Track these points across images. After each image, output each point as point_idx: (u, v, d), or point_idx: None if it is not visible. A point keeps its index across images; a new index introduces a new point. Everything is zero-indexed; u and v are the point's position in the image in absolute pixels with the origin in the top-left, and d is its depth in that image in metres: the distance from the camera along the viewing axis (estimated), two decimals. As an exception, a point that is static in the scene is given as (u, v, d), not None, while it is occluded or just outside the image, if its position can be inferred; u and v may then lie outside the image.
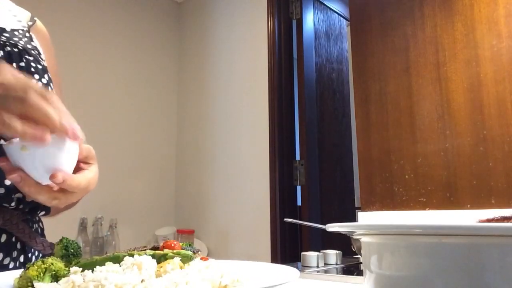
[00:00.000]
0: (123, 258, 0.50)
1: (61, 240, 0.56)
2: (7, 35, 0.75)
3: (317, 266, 1.09)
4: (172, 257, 0.52)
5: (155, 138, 2.90)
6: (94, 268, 0.47)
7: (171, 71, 3.08)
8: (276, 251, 2.32)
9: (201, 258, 0.56)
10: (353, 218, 2.01)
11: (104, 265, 0.49)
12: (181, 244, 0.57)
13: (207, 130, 2.82)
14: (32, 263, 0.50)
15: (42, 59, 0.79)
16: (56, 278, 0.49)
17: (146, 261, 0.48)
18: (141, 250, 0.54)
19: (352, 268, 1.11)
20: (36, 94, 0.49)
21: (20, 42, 0.76)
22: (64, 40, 2.48)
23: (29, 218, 0.74)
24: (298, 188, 2.47)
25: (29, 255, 0.72)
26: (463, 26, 1.51)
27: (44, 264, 0.49)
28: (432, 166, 1.52)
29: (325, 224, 0.57)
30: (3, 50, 0.71)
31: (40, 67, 0.76)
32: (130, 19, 2.87)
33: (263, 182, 2.41)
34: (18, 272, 0.52)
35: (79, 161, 0.58)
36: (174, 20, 3.14)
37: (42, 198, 0.54)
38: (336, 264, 1.13)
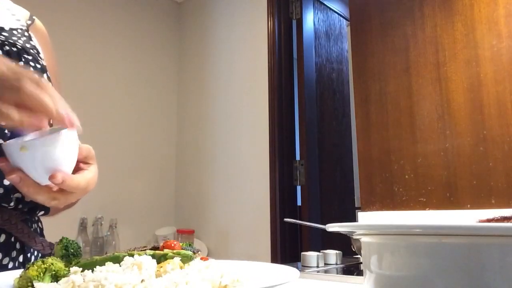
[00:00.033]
0: (123, 258, 0.50)
1: (61, 240, 0.56)
2: (5, 34, 0.75)
3: (317, 266, 1.09)
4: (172, 257, 0.52)
5: (155, 138, 2.90)
6: (94, 268, 0.47)
7: (171, 71, 3.08)
8: (276, 251, 2.32)
9: (201, 258, 0.56)
10: (353, 218, 2.01)
11: (104, 265, 0.49)
12: (181, 244, 0.57)
13: (207, 130, 2.82)
14: (32, 263, 0.50)
15: (41, 58, 0.79)
16: (56, 278, 0.49)
17: (146, 261, 0.48)
18: (141, 250, 0.54)
19: (352, 268, 1.11)
20: (31, 82, 0.49)
21: (19, 41, 0.76)
22: (64, 40, 2.48)
23: (28, 218, 0.74)
24: (298, 188, 2.47)
25: (28, 255, 0.72)
26: (463, 26, 1.51)
27: (44, 264, 0.49)
28: (432, 166, 1.52)
29: (325, 224, 0.57)
30: (2, 49, 0.71)
31: (39, 66, 0.76)
32: (130, 19, 2.87)
33: (263, 182, 2.41)
34: (18, 272, 0.52)
35: (78, 161, 0.58)
36: (174, 20, 3.14)
37: (41, 199, 0.54)
38: (336, 264, 1.13)
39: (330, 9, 2.86)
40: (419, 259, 0.39)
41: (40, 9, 1.15)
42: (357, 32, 1.80)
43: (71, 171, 0.56)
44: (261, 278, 0.53)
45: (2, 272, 0.56)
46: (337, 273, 1.05)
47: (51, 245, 0.74)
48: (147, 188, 2.80)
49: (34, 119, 0.48)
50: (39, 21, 0.88)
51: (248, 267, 0.59)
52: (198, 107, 2.91)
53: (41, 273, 0.48)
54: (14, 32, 0.77)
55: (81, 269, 0.48)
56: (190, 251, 0.54)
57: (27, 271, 0.48)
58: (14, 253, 0.69)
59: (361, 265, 0.78)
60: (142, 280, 0.45)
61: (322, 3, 2.79)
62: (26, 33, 0.80)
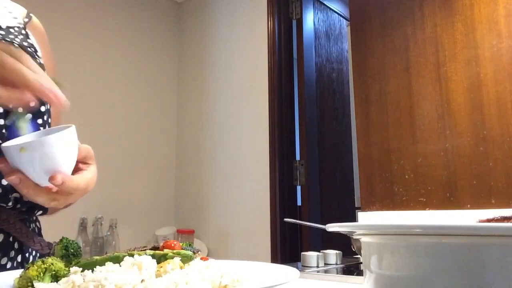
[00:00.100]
0: (123, 258, 0.50)
1: (61, 240, 0.56)
2: (2, 32, 0.74)
3: (317, 266, 1.09)
4: (172, 257, 0.52)
5: (155, 138, 2.90)
6: (94, 268, 0.47)
7: (171, 71, 3.08)
8: (276, 251, 2.32)
9: (201, 258, 0.56)
10: (353, 218, 2.01)
11: (104, 265, 0.49)
12: (181, 244, 0.57)
13: (207, 130, 2.82)
14: (32, 263, 0.50)
15: (38, 56, 0.78)
16: (56, 278, 0.49)
17: (146, 261, 0.48)
18: (141, 250, 0.54)
19: (352, 268, 1.11)
20: (11, 57, 0.48)
21: (16, 39, 0.75)
22: (64, 40, 2.48)
23: (26, 218, 0.74)
24: (298, 188, 2.47)
25: (27, 254, 0.72)
26: (463, 26, 1.51)
27: (44, 264, 0.49)
28: (432, 166, 1.52)
29: (325, 224, 0.57)
30: None
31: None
32: (130, 19, 2.87)
33: (263, 182, 2.41)
34: (18, 272, 0.51)
35: (77, 162, 0.58)
36: (174, 20, 3.14)
37: (41, 200, 0.54)
38: (336, 264, 1.13)
39: (330, 9, 2.86)
40: (419, 259, 0.39)
41: (40, 9, 1.15)
42: (357, 32, 1.80)
43: (71, 172, 0.56)
44: (261, 278, 0.53)
45: (2, 272, 0.56)
46: (337, 273, 1.05)
47: (49, 244, 0.74)
48: (147, 188, 2.80)
49: (22, 95, 0.47)
50: (36, 19, 0.86)
51: (248, 267, 0.59)
52: (198, 107, 2.91)
53: (41, 273, 0.48)
54: (11, 30, 0.76)
55: (81, 269, 0.48)
56: (190, 251, 0.54)
57: (27, 271, 0.48)
58: (12, 253, 0.69)
59: (361, 265, 0.78)
60: (142, 280, 0.45)
61: (322, 3, 2.79)
62: (23, 31, 0.79)
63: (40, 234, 0.79)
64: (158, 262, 0.51)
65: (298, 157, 2.49)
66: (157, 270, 0.49)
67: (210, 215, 2.70)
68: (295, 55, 2.59)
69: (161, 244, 0.56)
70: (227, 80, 2.74)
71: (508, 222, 0.44)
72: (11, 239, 0.69)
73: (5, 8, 0.81)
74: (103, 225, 2.48)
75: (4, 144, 0.51)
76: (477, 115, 1.44)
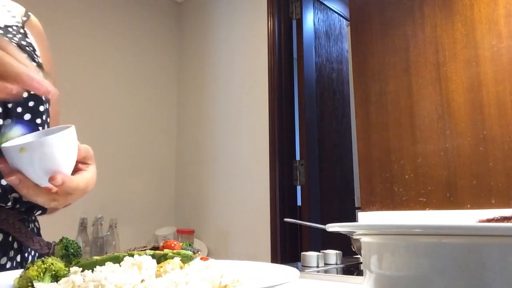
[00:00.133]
0: (123, 258, 0.50)
1: (61, 240, 0.56)
2: (0, 31, 0.74)
3: (317, 266, 1.09)
4: (172, 257, 0.52)
5: (155, 138, 2.90)
6: (94, 268, 0.47)
7: (171, 71, 3.08)
8: (276, 251, 2.32)
9: (201, 258, 0.56)
10: (353, 218, 2.01)
11: (104, 265, 0.49)
12: (181, 244, 0.57)
13: (207, 130, 2.82)
14: (32, 263, 0.50)
15: (37, 55, 0.78)
16: (56, 278, 0.49)
17: (146, 261, 0.48)
18: (141, 250, 0.54)
19: (352, 268, 1.11)
20: None
21: (14, 38, 0.74)
22: (64, 40, 2.48)
23: (25, 218, 0.74)
24: (298, 188, 2.47)
25: (26, 254, 0.72)
26: (463, 26, 1.51)
27: (44, 264, 0.49)
28: (432, 166, 1.52)
29: (325, 224, 0.57)
30: None
31: (34, 64, 0.75)
32: (130, 19, 2.87)
33: (263, 182, 2.41)
34: (18, 272, 0.52)
35: (77, 162, 0.58)
36: (174, 20, 3.14)
37: (41, 200, 0.54)
38: (336, 264, 1.13)
39: (330, 9, 2.86)
40: (419, 259, 0.39)
41: (40, 9, 1.14)
42: (357, 32, 1.80)
43: (71, 172, 0.56)
44: (261, 278, 0.53)
45: (2, 272, 0.56)
46: (337, 273, 1.05)
47: (48, 244, 0.74)
48: (147, 188, 2.80)
49: (13, 86, 0.46)
50: (34, 17, 0.86)
51: (248, 267, 0.59)
52: (198, 107, 2.91)
53: (41, 273, 0.48)
54: (9, 29, 0.76)
55: (81, 269, 0.48)
56: (190, 251, 0.54)
57: (27, 271, 0.48)
58: (12, 253, 0.69)
59: (361, 265, 0.78)
60: (142, 280, 0.45)
61: (322, 3, 2.79)
62: (21, 30, 0.79)
63: (39, 234, 0.79)
64: (158, 262, 0.51)
65: (298, 157, 2.49)
66: (157, 270, 0.49)
67: (210, 215, 2.70)
68: (295, 55, 2.59)
69: (161, 244, 0.56)
70: (227, 80, 2.74)
71: (508, 222, 0.44)
72: (10, 238, 0.69)
73: (4, 7, 0.80)
74: (103, 225, 2.48)
75: (4, 145, 0.51)
76: (477, 115, 1.44)
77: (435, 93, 1.54)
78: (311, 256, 1.10)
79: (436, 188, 1.49)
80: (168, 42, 3.08)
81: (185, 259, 0.52)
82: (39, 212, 0.75)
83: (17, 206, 0.69)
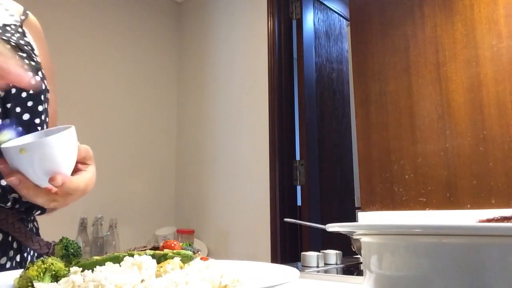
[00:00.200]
0: (123, 258, 0.50)
1: (61, 240, 0.56)
2: None
3: (317, 266, 1.09)
4: (172, 257, 0.52)
5: (155, 138, 2.90)
6: (94, 268, 0.47)
7: (171, 71, 3.08)
8: (276, 251, 2.32)
9: (201, 258, 0.56)
10: (353, 218, 2.01)
11: (104, 265, 0.49)
12: (181, 244, 0.57)
13: (207, 130, 2.82)
14: (32, 263, 0.50)
15: (35, 55, 0.77)
16: (56, 278, 0.49)
17: (146, 261, 0.48)
18: (141, 250, 0.54)
19: (352, 268, 1.11)
20: None
21: (13, 38, 0.74)
22: (64, 40, 2.48)
23: (25, 218, 0.74)
24: (298, 188, 2.47)
25: (25, 254, 0.72)
26: (463, 26, 1.51)
27: (44, 264, 0.49)
28: (432, 166, 1.52)
29: (325, 224, 0.57)
30: None
31: (33, 63, 0.74)
32: (130, 19, 2.87)
33: (263, 182, 2.41)
34: (18, 272, 0.52)
35: (76, 162, 0.58)
36: (174, 20, 3.14)
37: (41, 201, 0.54)
38: (336, 264, 1.13)
39: (330, 9, 2.86)
40: (419, 259, 0.39)
41: (39, 9, 1.15)
42: (357, 32, 1.80)
43: (70, 173, 0.56)
44: (261, 278, 0.53)
45: (2, 272, 0.56)
46: (337, 273, 1.05)
47: (48, 244, 0.74)
48: (147, 188, 2.80)
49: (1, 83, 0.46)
50: (33, 16, 0.85)
51: (248, 267, 0.59)
52: (198, 107, 2.91)
53: (41, 273, 0.48)
54: (8, 28, 0.75)
55: (81, 269, 0.48)
56: (190, 251, 0.54)
57: (27, 271, 0.48)
58: (11, 253, 0.69)
59: (361, 265, 0.78)
60: (142, 280, 0.45)
61: (322, 3, 2.79)
62: (20, 29, 0.78)
63: (38, 234, 0.79)
64: (158, 262, 0.51)
65: (298, 157, 2.49)
66: (157, 270, 0.49)
67: (210, 215, 2.70)
68: (295, 55, 2.59)
69: (161, 244, 0.56)
70: (227, 80, 2.74)
71: (508, 222, 0.44)
72: (10, 238, 0.69)
73: (1, 6, 0.80)
74: (103, 225, 2.48)
75: (4, 145, 0.51)
76: (477, 115, 1.44)
77: (435, 93, 1.54)
78: (311, 256, 1.10)
79: (436, 188, 1.49)
80: (168, 42, 3.08)
81: (185, 259, 0.52)
82: (39, 212, 0.75)
83: (17, 206, 0.69)
